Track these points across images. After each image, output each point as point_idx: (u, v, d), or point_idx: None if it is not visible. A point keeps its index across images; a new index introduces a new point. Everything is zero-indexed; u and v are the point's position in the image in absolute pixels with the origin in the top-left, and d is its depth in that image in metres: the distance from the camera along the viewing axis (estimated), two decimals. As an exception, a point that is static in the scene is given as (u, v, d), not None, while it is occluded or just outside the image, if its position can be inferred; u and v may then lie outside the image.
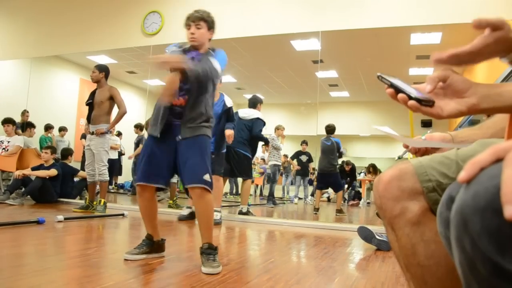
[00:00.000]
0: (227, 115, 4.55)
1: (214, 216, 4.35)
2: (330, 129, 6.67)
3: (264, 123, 5.32)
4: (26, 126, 6.92)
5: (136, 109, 8.27)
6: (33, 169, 5.63)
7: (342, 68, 8.05)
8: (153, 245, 2.43)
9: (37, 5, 7.26)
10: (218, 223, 4.37)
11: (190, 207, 4.60)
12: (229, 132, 4.48)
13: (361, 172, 11.05)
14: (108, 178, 4.93)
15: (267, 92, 9.65)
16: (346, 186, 10.30)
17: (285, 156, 9.20)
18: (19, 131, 6.71)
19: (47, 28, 7.05)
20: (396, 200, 0.95)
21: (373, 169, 9.74)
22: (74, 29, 6.79)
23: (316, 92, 6.14)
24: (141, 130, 7.70)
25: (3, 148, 6.11)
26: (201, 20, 2.43)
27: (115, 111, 4.95)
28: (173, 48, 2.51)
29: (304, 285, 1.98)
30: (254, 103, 5.42)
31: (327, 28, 5.27)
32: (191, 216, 4.51)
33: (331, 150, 6.66)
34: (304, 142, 8.59)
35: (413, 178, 0.95)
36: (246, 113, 5.28)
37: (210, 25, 2.50)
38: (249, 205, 5.28)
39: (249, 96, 5.55)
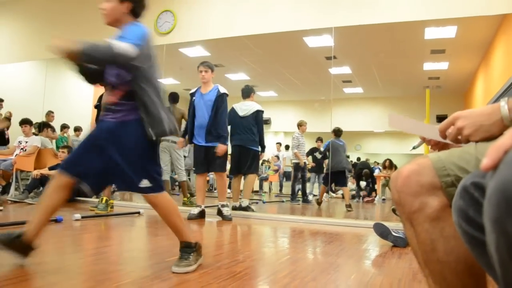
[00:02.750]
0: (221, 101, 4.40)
1: (225, 212, 4.40)
2: (341, 132, 7.02)
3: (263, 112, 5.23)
4: (43, 127, 7.03)
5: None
6: (50, 168, 5.71)
7: (356, 64, 7.98)
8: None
9: (52, 7, 7.36)
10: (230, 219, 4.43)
11: (199, 206, 4.51)
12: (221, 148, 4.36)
13: (368, 169, 10.92)
14: None
15: (280, 89, 9.62)
16: (365, 184, 10.21)
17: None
18: (52, 131, 7.16)
19: (62, 28, 7.13)
20: (415, 195, 0.93)
21: (389, 164, 9.60)
22: (88, 29, 6.83)
23: (330, 88, 6.10)
24: None
25: (21, 148, 6.22)
26: None
27: None
28: None
29: (321, 281, 1.97)
30: (247, 92, 5.28)
31: (340, 24, 5.22)
32: (201, 215, 4.46)
33: (344, 149, 7.14)
34: (319, 139, 8.55)
35: (431, 173, 0.93)
36: (245, 109, 5.18)
37: None
38: (263, 202, 5.25)
39: (262, 93, 5.50)
